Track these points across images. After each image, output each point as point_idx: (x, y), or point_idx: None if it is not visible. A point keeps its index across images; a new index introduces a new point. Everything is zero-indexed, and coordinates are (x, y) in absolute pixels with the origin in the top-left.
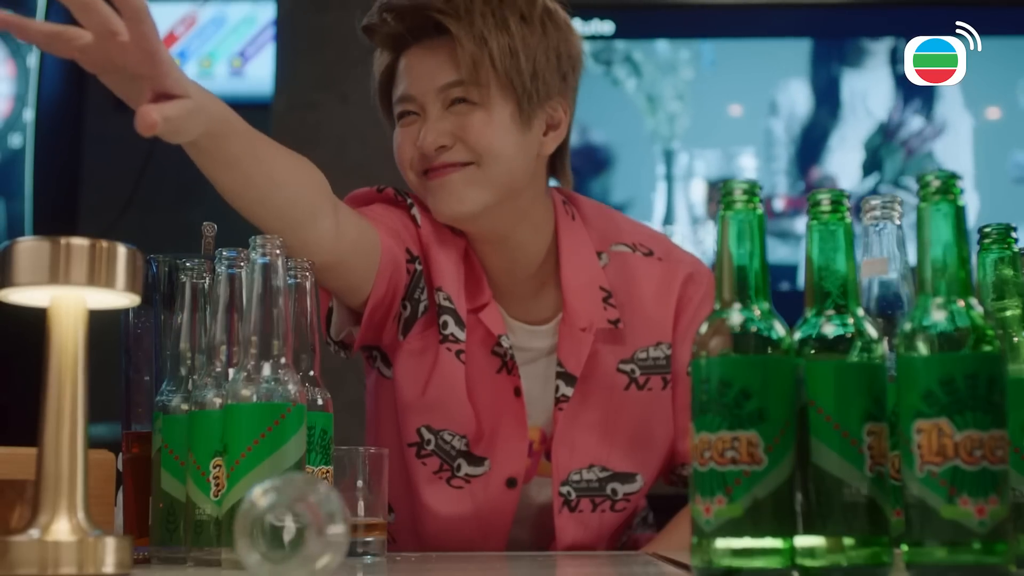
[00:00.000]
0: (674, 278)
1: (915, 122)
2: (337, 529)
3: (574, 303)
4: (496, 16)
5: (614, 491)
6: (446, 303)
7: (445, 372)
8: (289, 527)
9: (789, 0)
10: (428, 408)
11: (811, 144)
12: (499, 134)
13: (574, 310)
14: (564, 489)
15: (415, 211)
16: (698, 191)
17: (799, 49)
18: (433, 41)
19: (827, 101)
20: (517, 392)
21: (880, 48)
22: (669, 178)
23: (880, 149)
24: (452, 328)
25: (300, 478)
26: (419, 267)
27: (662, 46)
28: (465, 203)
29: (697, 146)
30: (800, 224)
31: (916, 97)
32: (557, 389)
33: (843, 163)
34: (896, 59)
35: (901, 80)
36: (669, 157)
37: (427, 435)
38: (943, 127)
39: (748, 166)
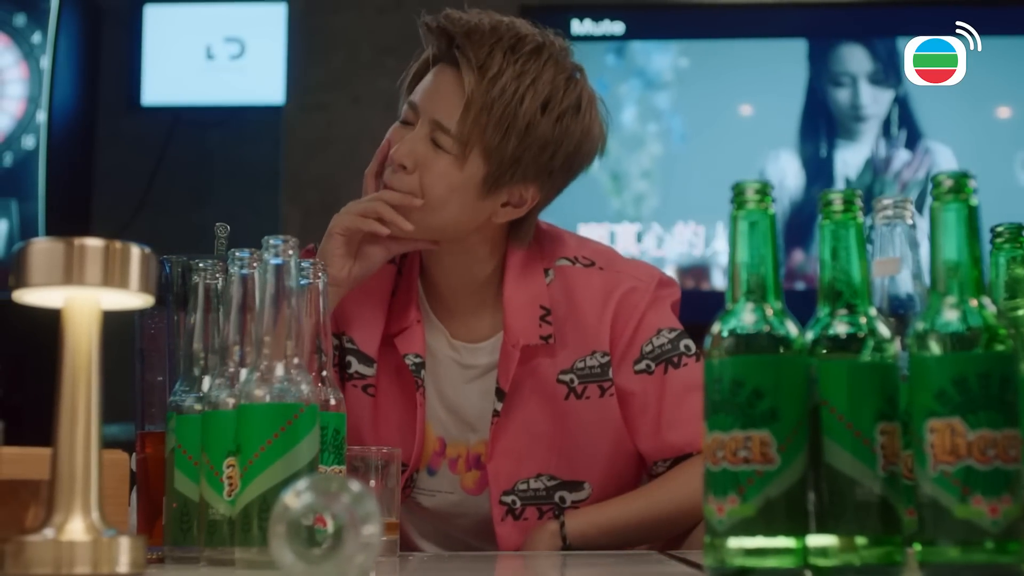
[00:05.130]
0: (614, 289)
1: (910, 196)
2: (372, 529)
3: (512, 321)
4: (516, 95)
5: (562, 499)
6: (348, 345)
7: (350, 407)
8: (327, 527)
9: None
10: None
11: (799, 222)
12: (452, 191)
13: (511, 328)
14: (508, 498)
15: None
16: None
17: (793, 54)
18: (457, 70)
19: (819, 178)
20: (417, 405)
21: (869, 128)
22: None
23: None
24: (356, 366)
25: (334, 478)
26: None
27: (628, 119)
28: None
29: (667, 227)
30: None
31: (909, 164)
32: (493, 404)
33: None
34: (888, 132)
35: (892, 148)
36: (636, 239)
37: None
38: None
39: (724, 249)
